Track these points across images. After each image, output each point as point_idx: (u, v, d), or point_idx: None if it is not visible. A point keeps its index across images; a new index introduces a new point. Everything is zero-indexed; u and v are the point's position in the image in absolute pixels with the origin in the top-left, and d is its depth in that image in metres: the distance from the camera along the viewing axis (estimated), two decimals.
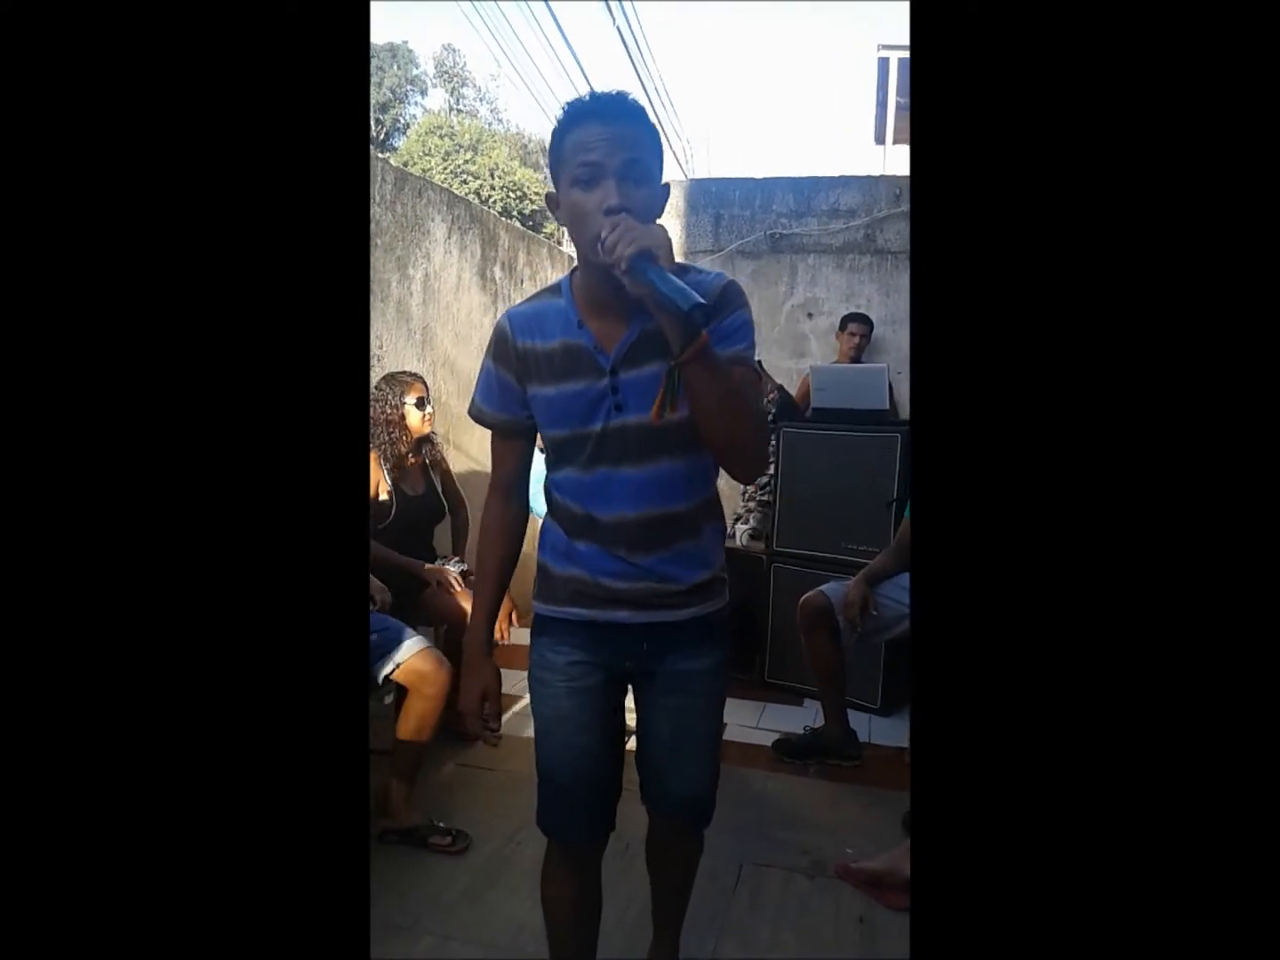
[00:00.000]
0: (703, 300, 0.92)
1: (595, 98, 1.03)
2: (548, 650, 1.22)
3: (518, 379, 1.16)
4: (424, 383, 2.59)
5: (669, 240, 1.00)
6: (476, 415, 1.23)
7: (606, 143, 1.00)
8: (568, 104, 1.04)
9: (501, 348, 1.16)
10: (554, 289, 1.17)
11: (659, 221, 1.10)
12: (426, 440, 2.62)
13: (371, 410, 2.48)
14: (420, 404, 2.53)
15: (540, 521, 1.27)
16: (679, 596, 1.18)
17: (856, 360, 3.97)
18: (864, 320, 4.04)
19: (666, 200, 1.09)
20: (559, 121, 1.05)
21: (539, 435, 1.22)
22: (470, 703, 1.26)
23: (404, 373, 2.59)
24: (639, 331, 1.09)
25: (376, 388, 2.54)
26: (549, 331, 1.13)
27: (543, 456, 1.24)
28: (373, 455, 2.46)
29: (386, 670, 2.03)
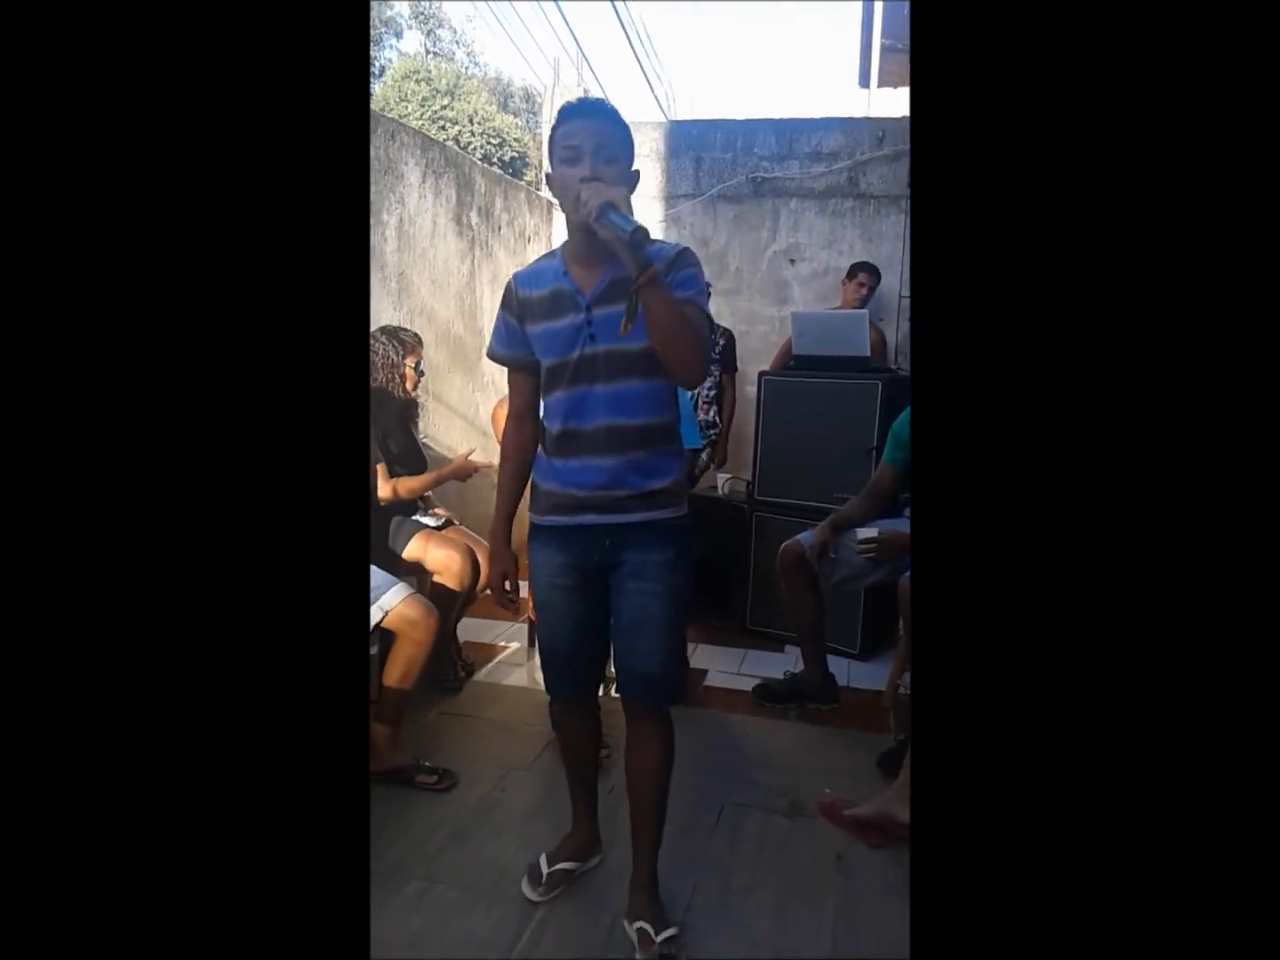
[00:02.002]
0: (642, 226, 1.24)
1: (581, 101, 1.41)
2: (538, 551, 1.56)
3: (520, 322, 1.49)
4: (422, 346, 2.66)
5: (628, 198, 1.33)
6: (492, 355, 1.57)
7: (584, 132, 1.35)
8: (561, 106, 1.40)
9: (508, 298, 1.51)
10: (551, 254, 1.51)
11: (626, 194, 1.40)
12: (412, 400, 2.68)
13: (375, 360, 2.54)
14: (418, 368, 2.61)
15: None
16: (634, 500, 1.46)
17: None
18: (873, 270, 3.93)
19: (636, 181, 1.43)
20: (555, 119, 1.40)
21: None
22: (495, 581, 1.61)
23: (406, 331, 2.63)
24: (609, 278, 1.41)
25: (375, 339, 2.56)
26: (543, 282, 1.46)
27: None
28: None
29: (375, 619, 2.04)
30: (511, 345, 1.52)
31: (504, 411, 1.73)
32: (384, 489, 2.49)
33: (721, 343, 3.96)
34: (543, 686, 1.67)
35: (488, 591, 1.69)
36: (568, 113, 1.39)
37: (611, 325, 1.38)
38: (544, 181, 1.50)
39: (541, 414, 1.55)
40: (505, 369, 1.59)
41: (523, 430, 1.59)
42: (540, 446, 1.55)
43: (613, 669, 1.68)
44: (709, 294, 1.48)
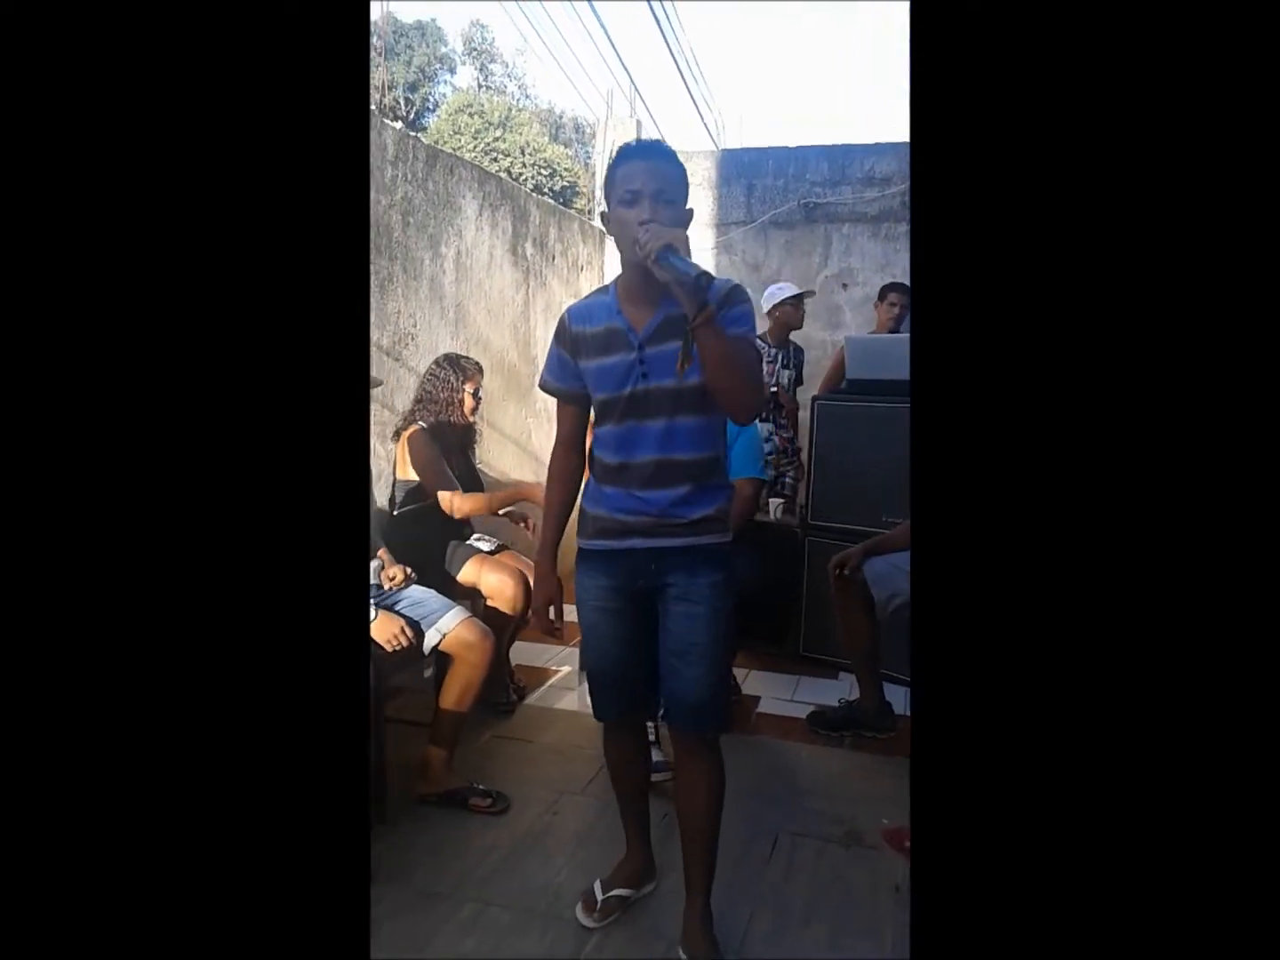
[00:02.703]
0: (706, 271, 1.25)
1: (640, 143, 1.45)
2: (584, 575, 1.58)
3: (572, 355, 1.52)
4: (482, 373, 2.71)
5: (687, 240, 1.32)
6: (544, 386, 1.60)
7: (644, 174, 1.38)
8: (620, 147, 1.44)
9: (562, 332, 1.54)
10: (604, 289, 1.54)
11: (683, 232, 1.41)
12: (471, 425, 2.72)
13: (428, 386, 2.62)
14: (476, 395, 2.65)
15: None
16: (679, 528, 1.49)
17: (895, 332, 3.90)
18: (904, 290, 3.87)
19: (690, 219, 1.46)
20: (611, 159, 1.44)
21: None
22: (540, 606, 1.64)
23: (467, 359, 2.68)
24: (663, 317, 1.43)
25: (438, 365, 2.64)
26: (596, 318, 1.49)
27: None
28: (419, 433, 2.52)
29: (433, 641, 2.08)
30: (563, 378, 1.55)
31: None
32: (463, 505, 2.52)
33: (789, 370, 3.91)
34: (591, 711, 1.68)
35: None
36: (626, 154, 1.42)
37: (663, 363, 1.41)
38: (600, 219, 1.50)
39: (592, 443, 1.58)
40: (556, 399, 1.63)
41: (569, 458, 1.63)
42: (590, 473, 1.58)
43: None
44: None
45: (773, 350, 3.76)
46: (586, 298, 1.57)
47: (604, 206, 1.49)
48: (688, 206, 1.46)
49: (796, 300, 3.76)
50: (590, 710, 1.68)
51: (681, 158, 1.45)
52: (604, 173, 1.47)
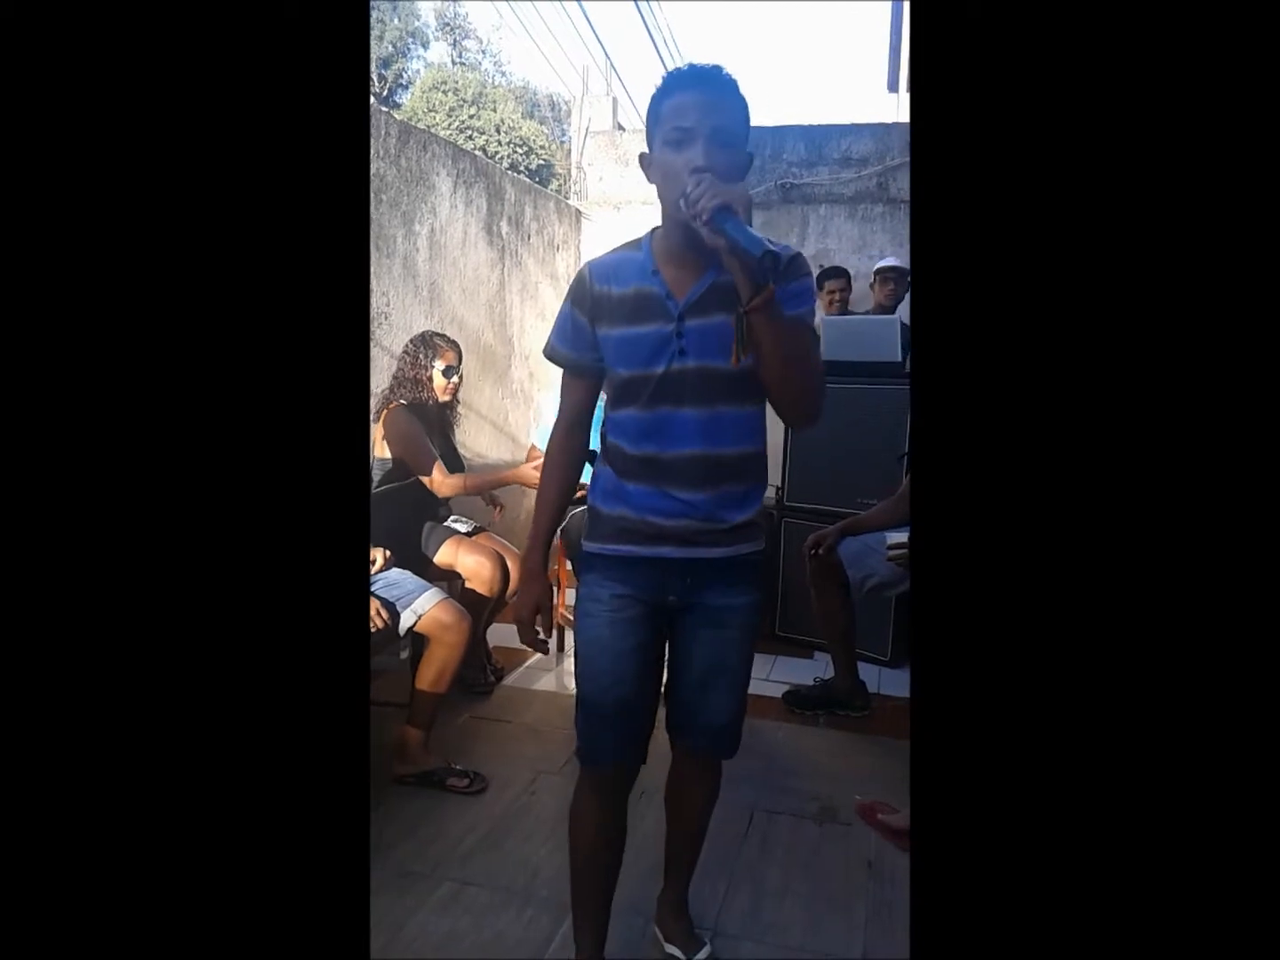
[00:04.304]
0: (774, 248, 1.01)
1: (693, 69, 1.14)
2: (595, 585, 1.30)
3: (591, 321, 1.25)
4: (457, 351, 2.64)
5: (749, 198, 1.05)
6: (550, 354, 1.33)
7: (699, 109, 1.11)
8: (668, 73, 1.15)
9: (580, 291, 1.25)
10: (634, 244, 1.27)
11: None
12: (449, 404, 2.69)
13: (401, 365, 2.58)
14: (447, 372, 2.59)
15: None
16: (721, 535, 1.25)
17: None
18: (840, 274, 3.85)
19: (749, 166, 1.18)
20: (658, 88, 1.16)
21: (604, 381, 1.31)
22: (525, 613, 1.35)
23: (439, 335, 2.64)
24: (710, 282, 1.18)
25: (410, 343, 2.61)
26: (625, 278, 1.22)
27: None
28: (399, 410, 2.51)
29: (409, 623, 2.07)
30: (577, 346, 1.28)
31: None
32: (452, 483, 2.51)
33: None
34: (572, 693, 1.35)
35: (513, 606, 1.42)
36: (679, 82, 1.14)
37: (706, 339, 1.17)
38: (639, 162, 1.23)
39: (606, 428, 1.31)
40: (560, 370, 1.35)
41: (572, 442, 1.36)
42: (604, 463, 1.31)
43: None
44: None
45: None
46: (614, 251, 1.28)
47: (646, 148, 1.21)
48: (748, 151, 1.18)
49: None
50: (570, 690, 1.41)
51: (748, 104, 1.19)
52: (646, 109, 1.18)
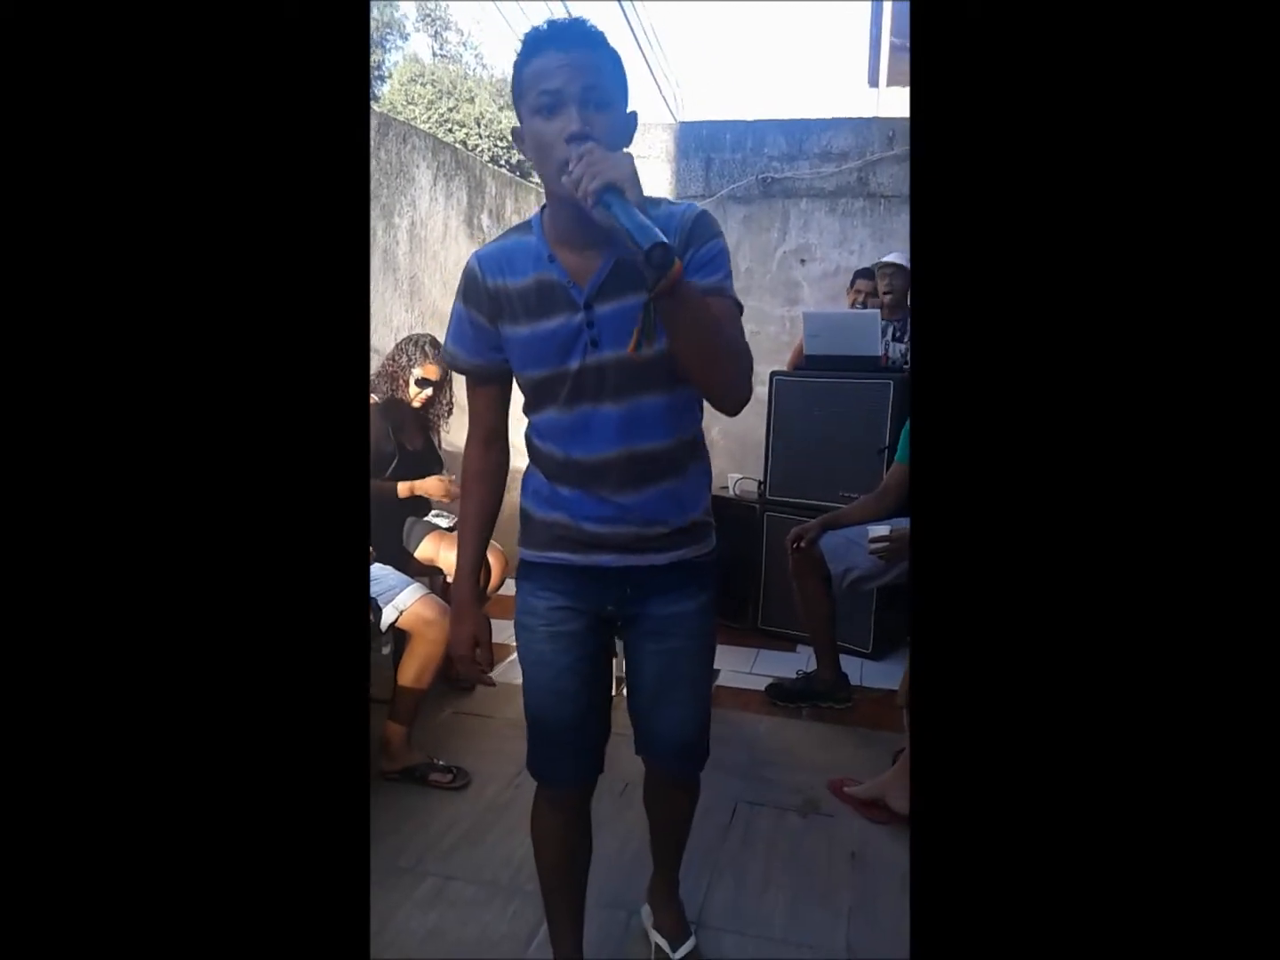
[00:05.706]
0: (665, 239, 0.88)
1: (552, 25, 1.00)
2: (530, 595, 1.22)
3: (490, 319, 1.13)
4: (444, 369, 2.54)
5: (634, 169, 0.92)
6: (450, 360, 1.20)
7: (565, 69, 0.97)
8: (526, 34, 1.01)
9: (472, 288, 1.13)
10: (524, 226, 1.14)
11: (626, 150, 1.03)
12: (422, 408, 2.64)
13: (386, 361, 2.56)
14: (421, 383, 2.54)
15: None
16: (663, 539, 1.17)
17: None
18: (870, 275, 3.79)
19: (634, 128, 1.07)
20: (518, 53, 1.02)
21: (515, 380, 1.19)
22: (462, 648, 1.25)
23: (433, 345, 2.55)
24: (613, 263, 1.05)
25: (404, 342, 2.58)
26: (520, 268, 1.10)
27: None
28: (375, 404, 2.49)
29: (391, 619, 2.06)
30: (478, 350, 1.15)
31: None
32: (375, 491, 2.46)
33: None
34: (529, 770, 1.30)
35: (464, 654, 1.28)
36: (538, 42, 1.00)
37: (618, 327, 1.05)
38: (512, 137, 1.09)
39: (529, 432, 1.21)
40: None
41: (489, 457, 1.24)
42: (532, 463, 1.22)
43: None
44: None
45: (882, 321, 3.30)
46: (501, 237, 1.15)
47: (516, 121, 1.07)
48: (629, 110, 1.05)
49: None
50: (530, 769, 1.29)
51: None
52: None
